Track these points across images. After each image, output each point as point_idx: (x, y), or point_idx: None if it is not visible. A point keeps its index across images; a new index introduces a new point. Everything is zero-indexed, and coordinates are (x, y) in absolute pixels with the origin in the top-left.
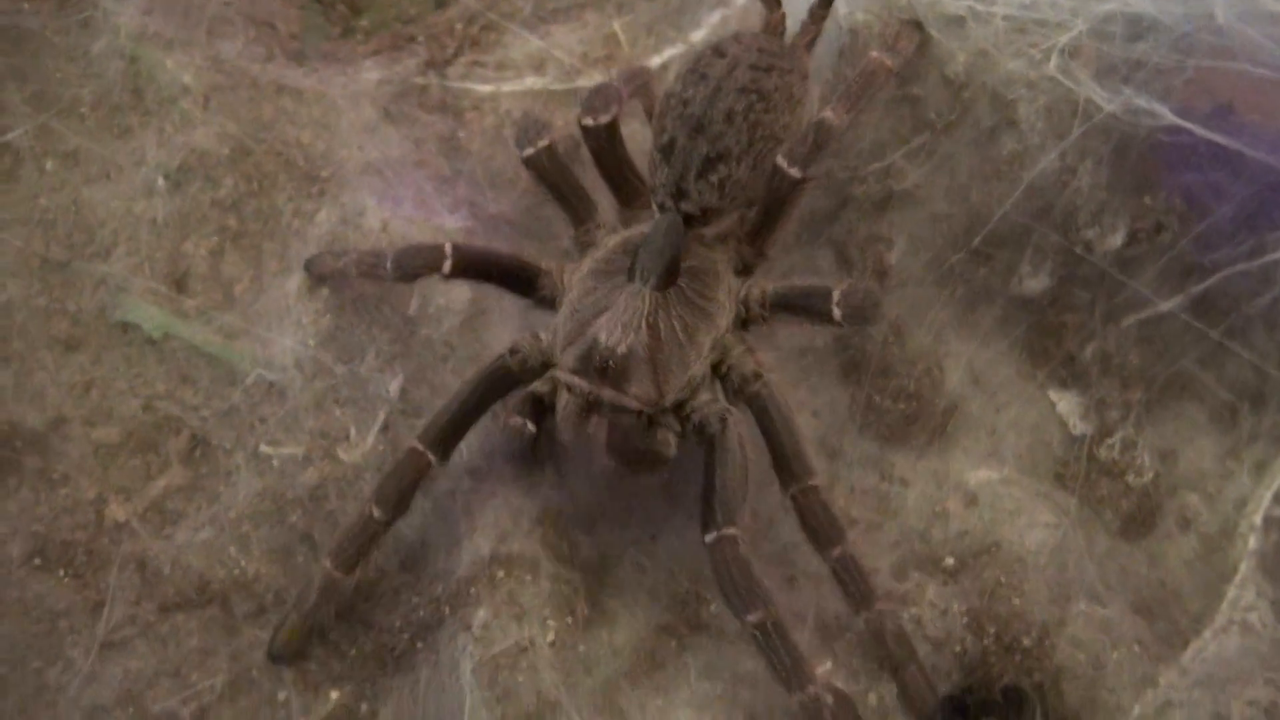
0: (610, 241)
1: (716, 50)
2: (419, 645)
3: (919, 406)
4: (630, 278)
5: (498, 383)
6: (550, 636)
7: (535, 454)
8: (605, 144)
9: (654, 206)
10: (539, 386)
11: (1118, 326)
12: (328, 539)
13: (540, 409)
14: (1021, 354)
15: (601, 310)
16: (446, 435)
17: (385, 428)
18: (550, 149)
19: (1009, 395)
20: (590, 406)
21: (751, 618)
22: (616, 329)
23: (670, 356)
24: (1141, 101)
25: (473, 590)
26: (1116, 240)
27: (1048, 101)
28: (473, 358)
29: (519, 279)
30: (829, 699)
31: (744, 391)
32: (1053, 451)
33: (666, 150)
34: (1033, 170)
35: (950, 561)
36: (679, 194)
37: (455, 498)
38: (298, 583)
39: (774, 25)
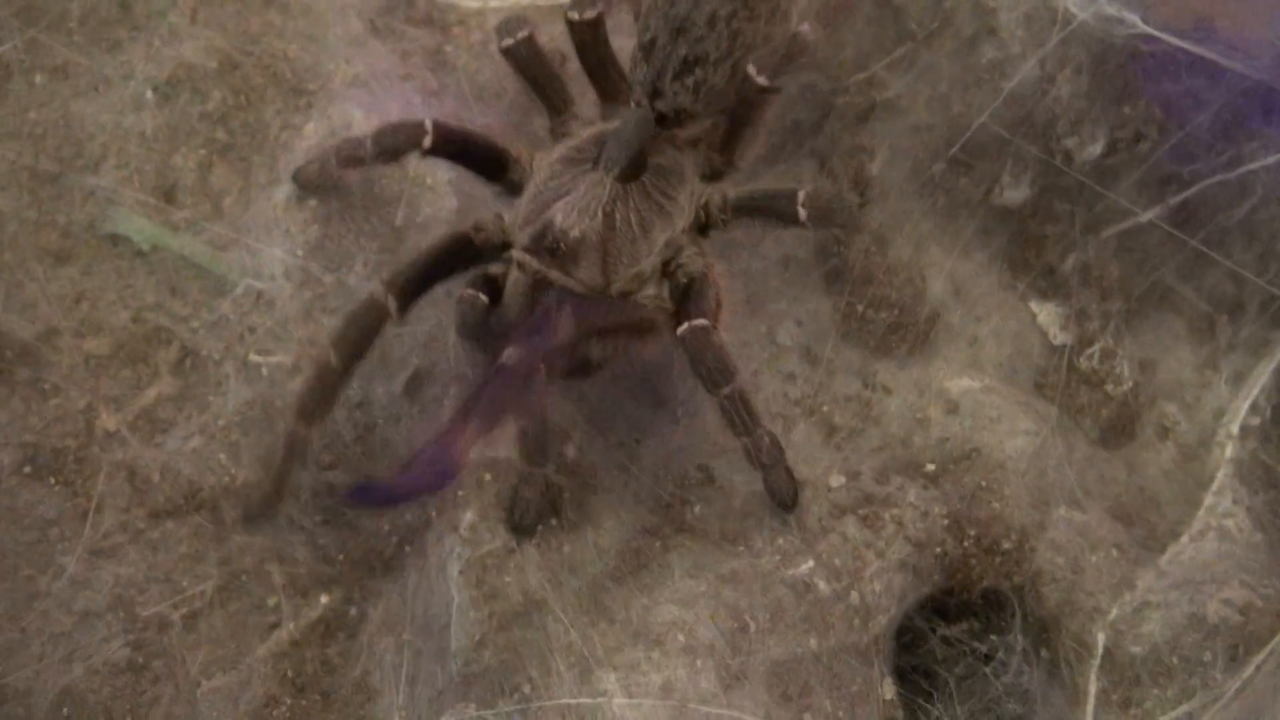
0: (584, 132)
1: None
2: (407, 549)
3: (901, 315)
4: (595, 166)
5: (460, 249)
6: (536, 538)
7: (486, 328)
8: (590, 39)
9: (631, 104)
10: (494, 268)
11: (1097, 237)
12: (316, 445)
13: (495, 288)
14: (1002, 264)
15: (563, 194)
16: (407, 286)
17: None
18: (529, 40)
19: (990, 305)
20: (537, 285)
21: (726, 390)
22: (573, 213)
23: (621, 247)
24: (1112, 10)
25: (460, 493)
26: (1096, 149)
27: (1028, 9)
28: None
29: (492, 162)
30: (766, 440)
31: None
32: (1033, 361)
33: (647, 48)
34: (1013, 79)
35: (931, 467)
36: (655, 92)
37: (443, 404)
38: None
39: None
